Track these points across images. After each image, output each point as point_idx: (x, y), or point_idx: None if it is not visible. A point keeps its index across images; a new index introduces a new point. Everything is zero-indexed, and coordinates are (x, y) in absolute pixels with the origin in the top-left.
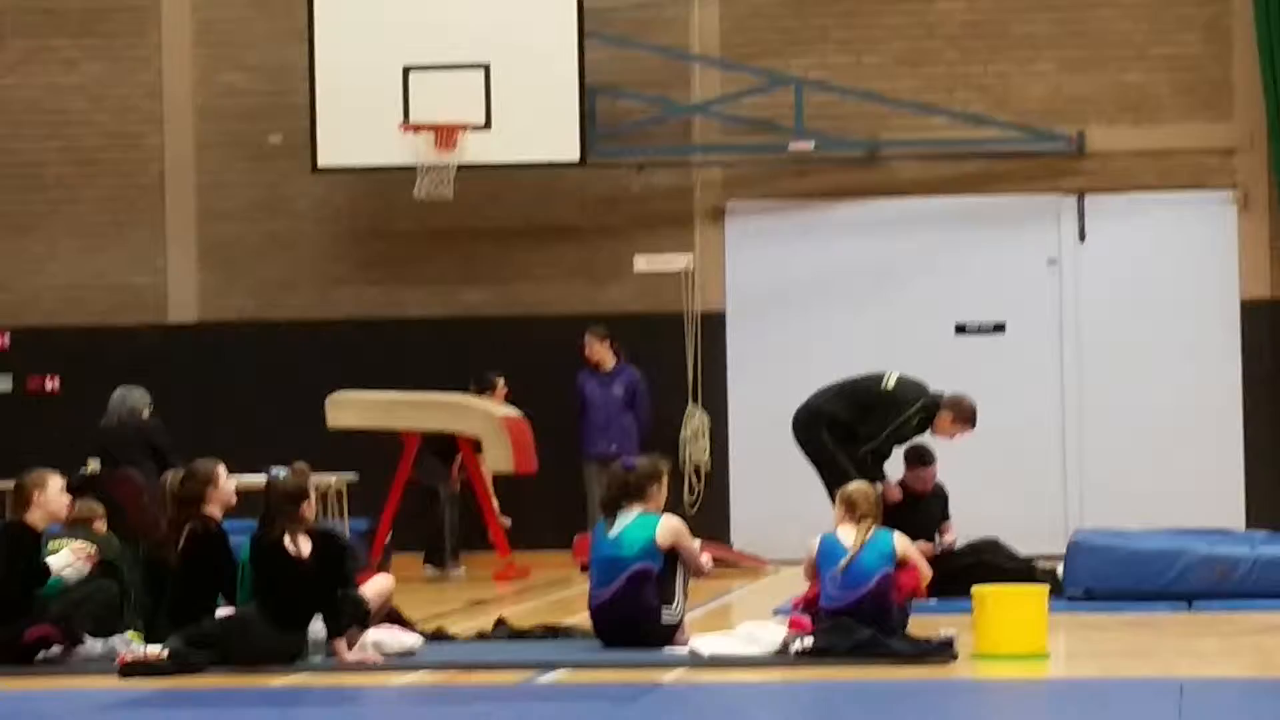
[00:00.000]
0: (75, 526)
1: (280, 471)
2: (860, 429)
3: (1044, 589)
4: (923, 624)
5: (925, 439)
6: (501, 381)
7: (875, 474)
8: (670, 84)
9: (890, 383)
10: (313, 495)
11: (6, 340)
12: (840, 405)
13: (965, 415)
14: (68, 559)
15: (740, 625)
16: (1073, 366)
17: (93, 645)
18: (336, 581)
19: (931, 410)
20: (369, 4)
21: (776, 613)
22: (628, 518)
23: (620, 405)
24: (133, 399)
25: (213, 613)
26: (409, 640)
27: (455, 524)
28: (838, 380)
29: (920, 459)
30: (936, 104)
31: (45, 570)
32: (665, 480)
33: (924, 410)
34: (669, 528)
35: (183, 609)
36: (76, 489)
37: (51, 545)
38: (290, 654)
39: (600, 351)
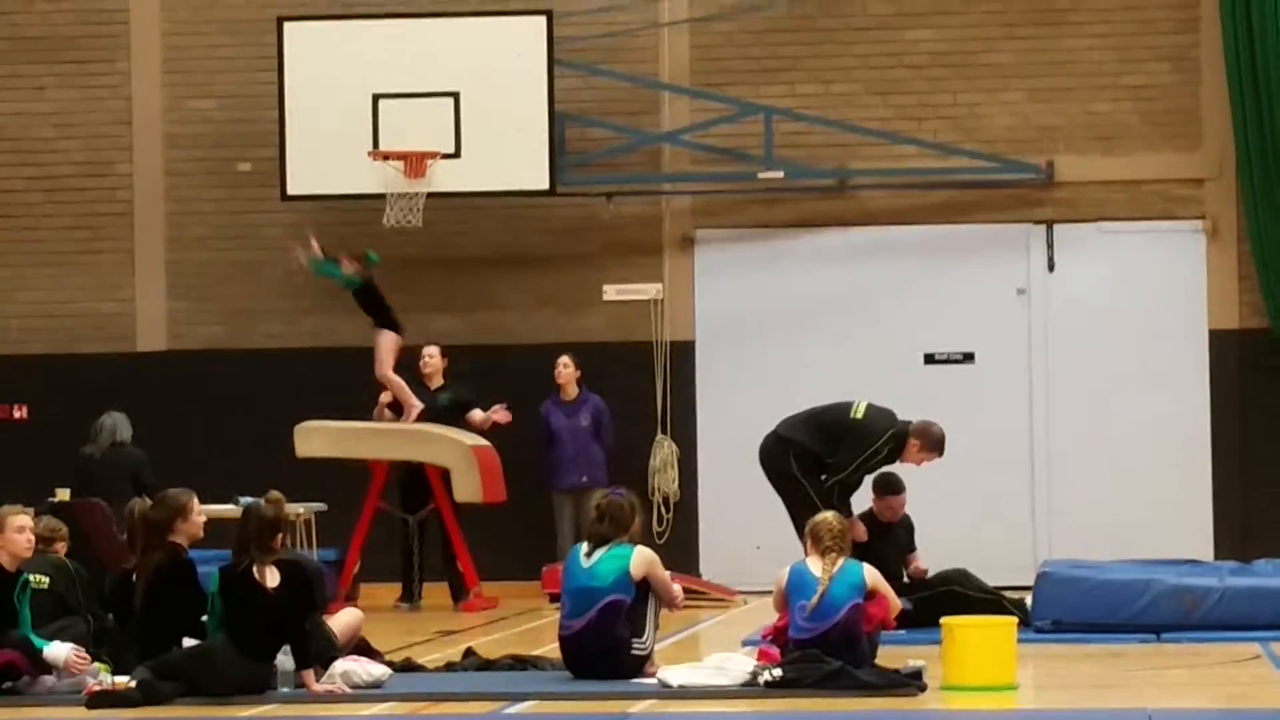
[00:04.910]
0: (38, 550)
1: (257, 502)
2: (829, 459)
3: (1012, 620)
4: (892, 655)
5: (894, 467)
6: (438, 351)
7: (842, 507)
8: (639, 113)
9: (859, 412)
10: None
11: None
12: (808, 434)
13: (933, 443)
14: (62, 658)
15: (709, 656)
16: (1041, 396)
17: (60, 676)
18: (305, 612)
19: (901, 439)
20: (338, 32)
21: (745, 644)
22: (604, 549)
23: (588, 435)
24: (122, 428)
25: (180, 643)
26: (377, 671)
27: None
28: (806, 409)
29: (890, 488)
30: (905, 133)
31: (14, 610)
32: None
33: (894, 439)
34: (643, 558)
35: (150, 639)
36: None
37: (34, 581)
38: (259, 685)
39: (570, 379)
